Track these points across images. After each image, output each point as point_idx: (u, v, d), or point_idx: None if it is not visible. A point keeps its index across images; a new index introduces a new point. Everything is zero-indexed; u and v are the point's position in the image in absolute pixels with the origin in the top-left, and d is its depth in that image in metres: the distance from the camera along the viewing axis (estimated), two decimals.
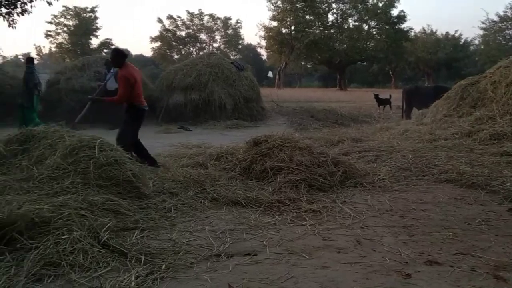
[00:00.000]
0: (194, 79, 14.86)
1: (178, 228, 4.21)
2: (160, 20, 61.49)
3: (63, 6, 55.50)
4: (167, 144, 9.71)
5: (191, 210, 4.83)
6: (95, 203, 4.25)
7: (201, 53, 62.96)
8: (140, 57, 68.53)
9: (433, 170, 6.72)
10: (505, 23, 51.27)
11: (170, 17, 62.33)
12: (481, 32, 54.43)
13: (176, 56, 63.43)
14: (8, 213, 3.60)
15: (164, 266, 3.28)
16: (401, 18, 51.07)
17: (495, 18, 51.43)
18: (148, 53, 70.73)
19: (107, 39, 61.81)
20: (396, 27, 50.87)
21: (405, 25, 52.05)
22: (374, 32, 52.44)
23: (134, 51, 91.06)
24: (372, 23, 52.30)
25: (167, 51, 62.59)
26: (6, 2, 21.94)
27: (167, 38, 62.22)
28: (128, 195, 4.78)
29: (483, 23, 52.68)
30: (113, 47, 58.07)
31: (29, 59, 11.88)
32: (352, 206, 5.07)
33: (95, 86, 12.60)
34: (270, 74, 48.27)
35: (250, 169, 6.25)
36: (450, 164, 6.84)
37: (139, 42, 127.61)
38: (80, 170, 4.72)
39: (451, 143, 8.54)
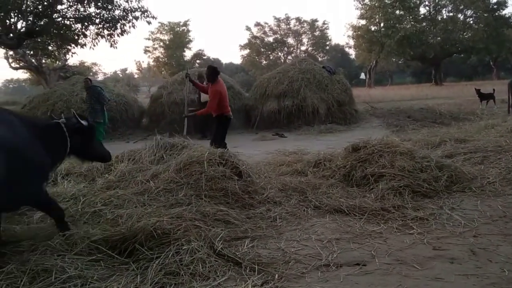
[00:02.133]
0: (287, 86, 15.13)
1: (285, 237, 4.34)
2: (248, 28, 62.98)
3: (159, 22, 58.88)
4: (264, 151, 9.96)
5: (295, 218, 4.95)
6: (208, 213, 4.53)
7: (289, 57, 63.68)
8: (230, 65, 70.78)
9: None
10: None
11: (257, 24, 63.69)
12: None
13: (264, 62, 64.52)
14: (130, 226, 3.95)
15: (277, 276, 3.42)
16: (501, 4, 47.61)
17: None
18: (237, 60, 72.80)
19: (199, 50, 64.68)
20: (496, 14, 47.44)
21: (506, 12, 48.62)
22: (471, 22, 49.33)
23: (224, 59, 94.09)
24: (469, 12, 49.23)
25: (256, 57, 63.85)
26: (108, 25, 23.93)
27: (256, 45, 63.49)
28: (235, 205, 5.02)
29: None
30: (205, 58, 60.87)
31: (90, 80, 12.49)
32: (462, 213, 4.88)
33: (194, 98, 13.26)
34: (362, 75, 47.34)
35: (350, 176, 6.25)
36: None
37: (229, 50, 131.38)
38: (192, 183, 5.04)
39: None
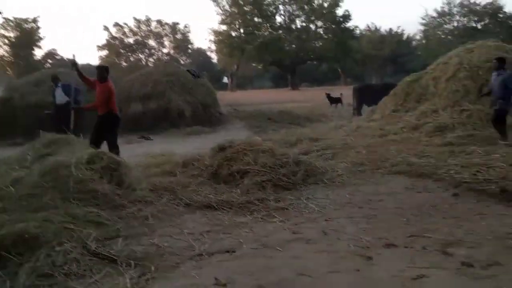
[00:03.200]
0: (152, 88, 15.06)
1: (158, 234, 4.50)
2: (106, 28, 60.56)
3: (3, 17, 53.65)
4: (131, 155, 9.82)
5: (167, 216, 5.11)
6: (77, 216, 4.48)
7: (150, 59, 62.69)
8: (87, 66, 66.88)
9: (385, 163, 7.32)
10: (443, 18, 53.91)
11: (116, 24, 61.50)
12: (422, 28, 57.00)
13: (124, 64, 62.64)
14: None
15: (153, 268, 3.58)
16: (346, 17, 52.72)
17: (434, 14, 54.04)
18: (95, 61, 69.33)
19: (52, 49, 60.41)
20: (342, 26, 52.37)
21: (350, 24, 53.85)
22: (322, 32, 53.75)
23: (81, 60, 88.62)
24: (319, 23, 53.56)
25: (115, 59, 61.65)
26: None
27: (115, 46, 61.31)
28: (106, 206, 5.01)
29: (423, 18, 55.31)
30: (59, 59, 56.87)
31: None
32: (316, 202, 5.52)
33: (51, 100, 12.51)
34: (225, 79, 48.61)
35: (217, 174, 6.60)
36: (400, 157, 7.48)
37: (85, 51, 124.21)
38: (59, 186, 4.92)
39: (400, 137, 9.25)
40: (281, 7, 52.72)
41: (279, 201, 5.56)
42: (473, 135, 8.84)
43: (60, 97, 11.78)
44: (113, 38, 61.41)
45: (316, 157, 8.13)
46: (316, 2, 52.15)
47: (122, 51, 62.50)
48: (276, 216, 4.97)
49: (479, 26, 52.41)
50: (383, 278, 3.34)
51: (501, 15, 51.13)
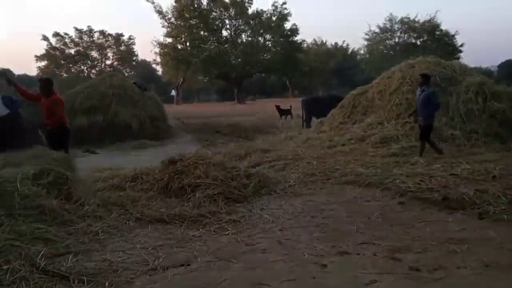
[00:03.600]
0: (97, 101, 14.63)
1: (110, 249, 4.38)
2: (45, 38, 58.12)
3: None
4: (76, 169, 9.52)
5: (117, 231, 4.98)
6: (24, 232, 4.27)
7: (93, 71, 61.01)
8: (24, 77, 64.00)
9: (335, 173, 7.51)
10: (385, 33, 56.24)
11: (56, 34, 59.22)
12: (366, 43, 59.14)
13: (65, 75, 60.61)
14: None
15: (107, 283, 3.48)
16: (294, 31, 53.61)
17: (377, 30, 56.26)
18: (32, 72, 66.44)
19: None
20: (290, 39, 53.32)
21: (298, 38, 54.77)
22: (270, 45, 54.46)
23: (17, 70, 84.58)
24: (267, 36, 54.26)
25: (56, 70, 59.48)
26: None
27: (55, 57, 59.12)
28: (54, 222, 4.82)
29: (366, 34, 57.38)
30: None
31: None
32: (270, 212, 5.58)
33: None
34: (173, 92, 48.07)
35: (168, 188, 6.50)
36: (349, 168, 7.70)
37: (22, 61, 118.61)
38: (3, 203, 4.68)
39: (348, 148, 9.51)
40: (227, 21, 53.09)
41: (231, 213, 5.54)
42: (416, 146, 9.24)
43: (1, 109, 11.22)
44: (53, 48, 59.13)
45: (268, 168, 8.21)
46: (264, 15, 52.87)
47: (62, 62, 60.35)
48: (228, 229, 4.97)
49: (418, 43, 54.97)
50: (338, 284, 3.44)
51: (438, 33, 53.91)
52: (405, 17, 54.84)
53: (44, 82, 7.88)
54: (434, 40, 53.87)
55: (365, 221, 5.05)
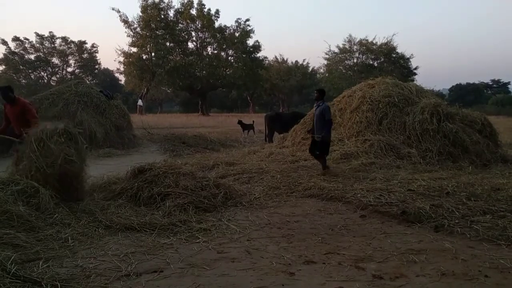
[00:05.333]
0: (62, 108, 14.40)
1: (80, 255, 4.44)
2: (4, 42, 56.47)
3: None
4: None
5: (87, 238, 5.04)
6: None
7: (53, 77, 59.60)
8: None
9: (299, 187, 7.78)
10: (344, 54, 57.77)
11: (16, 38, 57.72)
12: (325, 62, 60.49)
13: (24, 81, 59.00)
14: None
15: None
16: (256, 47, 54.36)
17: (336, 50, 57.69)
18: None
19: None
20: (252, 56, 53.95)
21: (260, 54, 55.57)
22: (232, 60, 54.88)
23: None
24: (230, 52, 54.69)
25: (14, 75, 57.80)
26: None
27: (14, 62, 57.48)
28: (22, 228, 4.84)
29: (326, 53, 58.76)
30: None
31: None
32: (237, 223, 5.75)
33: None
34: (140, 102, 47.40)
35: (137, 196, 6.58)
36: (312, 182, 7.98)
37: None
38: None
39: (310, 163, 9.81)
40: (193, 33, 53.17)
41: (201, 222, 5.71)
42: (374, 163, 9.65)
43: None
44: (12, 53, 57.48)
45: (233, 181, 8.39)
46: (227, 31, 53.35)
47: (22, 67, 58.74)
48: (199, 237, 5.12)
49: (375, 64, 56.79)
50: None
51: (394, 55, 55.93)
52: (363, 39, 56.62)
53: (3, 90, 7.58)
54: (390, 62, 55.82)
55: (329, 233, 5.31)
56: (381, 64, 56.23)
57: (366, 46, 56.12)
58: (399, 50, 55.92)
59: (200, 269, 4.12)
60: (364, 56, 57.62)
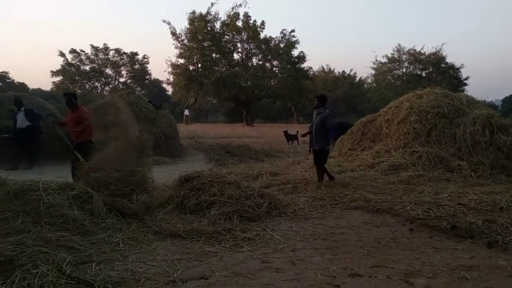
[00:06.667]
0: (114, 117, 14.91)
1: (131, 259, 4.59)
2: (62, 54, 59.26)
3: None
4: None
5: (137, 243, 5.21)
6: (50, 240, 4.51)
7: (106, 88, 61.84)
8: (39, 91, 65.18)
9: (344, 198, 7.70)
10: (393, 64, 56.76)
11: (73, 51, 60.42)
12: (373, 72, 59.66)
13: (79, 91, 61.51)
14: None
15: None
16: (301, 58, 54.27)
17: (384, 59, 56.79)
18: (47, 87, 67.60)
19: (3, 72, 58.70)
20: (297, 66, 53.94)
21: (305, 65, 55.45)
22: (277, 71, 55.11)
23: (32, 85, 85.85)
24: (275, 62, 54.96)
25: (70, 85, 60.38)
26: None
27: (70, 73, 60.15)
28: (76, 231, 5.06)
29: (374, 63, 57.94)
30: (9, 82, 55.22)
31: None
32: (281, 233, 5.76)
33: (9, 124, 12.24)
34: (186, 112, 48.35)
35: (183, 204, 6.72)
36: (358, 193, 7.87)
37: (36, 76, 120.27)
38: (29, 210, 4.93)
39: (357, 174, 9.70)
40: (239, 44, 53.85)
41: (246, 231, 5.75)
42: (422, 175, 9.42)
43: (21, 121, 11.72)
44: (69, 64, 60.22)
45: (277, 191, 8.41)
46: (273, 42, 53.68)
47: (77, 78, 61.37)
48: (244, 246, 5.17)
49: (423, 74, 55.48)
50: None
51: (443, 65, 54.44)
52: (411, 49, 55.46)
53: (68, 95, 8.29)
54: (439, 72, 54.30)
55: (375, 245, 5.22)
56: (429, 74, 54.80)
57: (414, 56, 54.94)
58: (448, 60, 54.33)
59: (245, 278, 4.16)
60: (412, 66, 56.43)
